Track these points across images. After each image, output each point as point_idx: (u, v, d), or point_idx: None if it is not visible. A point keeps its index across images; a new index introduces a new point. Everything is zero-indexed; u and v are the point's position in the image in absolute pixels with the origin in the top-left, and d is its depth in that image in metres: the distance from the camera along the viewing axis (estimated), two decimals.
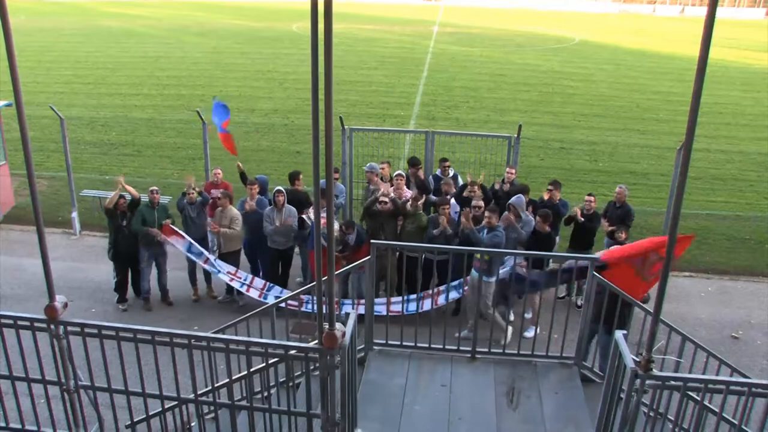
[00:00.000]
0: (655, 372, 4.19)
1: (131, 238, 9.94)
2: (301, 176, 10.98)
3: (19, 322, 4.29)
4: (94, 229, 12.76)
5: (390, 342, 7.08)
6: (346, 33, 41.51)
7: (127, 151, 18.27)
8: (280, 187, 10.22)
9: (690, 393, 4.81)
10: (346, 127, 11.72)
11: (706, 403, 4.44)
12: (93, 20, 48.83)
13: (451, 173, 11.35)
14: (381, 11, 60.87)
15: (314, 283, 3.96)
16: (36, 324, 4.27)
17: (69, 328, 4.27)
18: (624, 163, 17.91)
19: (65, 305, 4.21)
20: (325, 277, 3.87)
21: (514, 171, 10.82)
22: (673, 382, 4.41)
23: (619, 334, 4.73)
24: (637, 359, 4.21)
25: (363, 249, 9.34)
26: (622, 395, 4.56)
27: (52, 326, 4.22)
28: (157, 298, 10.38)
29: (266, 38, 40.65)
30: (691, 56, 33.51)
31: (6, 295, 10.25)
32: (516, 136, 11.19)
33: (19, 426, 4.69)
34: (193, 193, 10.16)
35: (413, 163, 11.28)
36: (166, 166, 16.91)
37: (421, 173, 11.21)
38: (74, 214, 12.69)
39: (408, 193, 10.39)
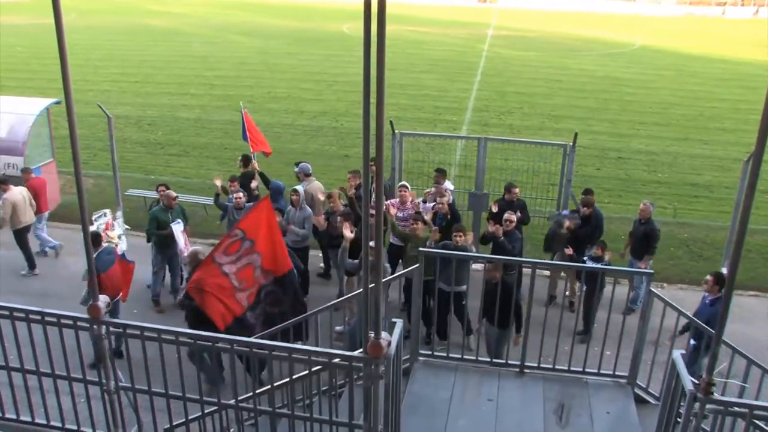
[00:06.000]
0: (717, 396, 4.02)
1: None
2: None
3: (63, 321, 4.31)
4: (139, 229, 12.74)
5: (436, 353, 6.93)
6: (397, 35, 41.50)
7: (173, 150, 18.51)
8: (296, 187, 10.26)
9: (757, 422, 4.51)
10: (396, 131, 11.59)
11: None
12: (141, 19, 50.15)
13: (447, 185, 10.98)
14: (434, 13, 60.74)
15: (359, 290, 3.88)
16: (79, 323, 4.28)
17: (111, 329, 4.27)
18: (685, 174, 17.29)
19: (108, 305, 4.21)
20: (372, 285, 3.78)
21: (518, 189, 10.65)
22: (737, 408, 4.18)
23: (677, 354, 4.56)
24: (697, 382, 4.06)
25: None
26: (680, 419, 4.33)
27: (95, 326, 4.22)
28: (171, 301, 10.25)
29: (315, 39, 41.02)
30: (762, 61, 32.26)
31: (49, 293, 10.38)
32: (571, 144, 10.88)
33: (59, 424, 4.72)
34: (241, 199, 10.18)
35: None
36: (212, 167, 16.96)
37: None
38: (119, 213, 12.75)
39: (411, 206, 10.09)
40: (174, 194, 10.16)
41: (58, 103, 13.50)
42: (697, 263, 12.10)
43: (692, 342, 7.35)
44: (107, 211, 10.08)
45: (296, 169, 11.23)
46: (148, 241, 10.18)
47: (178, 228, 9.87)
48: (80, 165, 3.83)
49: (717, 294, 7.63)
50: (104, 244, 8.70)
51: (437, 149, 12.90)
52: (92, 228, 9.27)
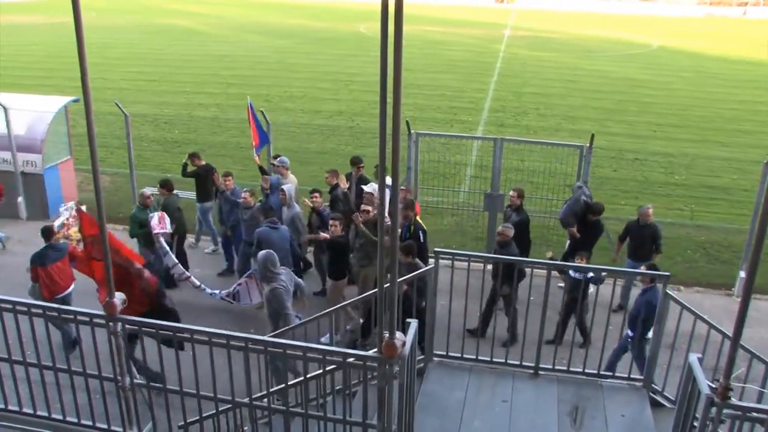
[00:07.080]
0: (734, 401, 3.94)
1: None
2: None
3: (79, 317, 4.33)
4: None
5: (450, 354, 6.89)
6: (414, 35, 41.40)
7: (189, 149, 18.18)
8: (282, 187, 10.17)
9: None
10: (412, 131, 11.57)
11: None
12: (158, 18, 50.44)
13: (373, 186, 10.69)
14: (451, 13, 60.59)
15: (375, 290, 3.87)
16: (95, 320, 4.30)
17: (127, 326, 4.28)
18: (702, 176, 17.08)
19: (124, 302, 4.23)
20: (387, 284, 3.76)
21: (516, 194, 10.02)
22: (756, 414, 4.10)
23: (693, 358, 4.50)
24: (714, 386, 3.99)
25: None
26: (696, 423, 4.26)
27: (111, 323, 4.23)
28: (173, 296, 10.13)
29: (333, 39, 41.02)
30: None
31: None
32: (588, 145, 10.78)
33: (75, 420, 4.75)
34: (248, 198, 10.16)
35: (355, 162, 11.02)
36: (228, 166, 16.73)
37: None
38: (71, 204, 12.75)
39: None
40: (148, 192, 10.20)
41: (76, 101, 13.57)
42: (714, 266, 11.93)
43: (628, 332, 7.46)
44: (72, 204, 9.98)
45: (275, 162, 11.09)
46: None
47: (155, 216, 9.86)
48: (98, 163, 3.84)
49: (648, 284, 7.59)
50: (61, 241, 8.68)
51: (453, 149, 12.84)
52: (58, 220, 9.39)
